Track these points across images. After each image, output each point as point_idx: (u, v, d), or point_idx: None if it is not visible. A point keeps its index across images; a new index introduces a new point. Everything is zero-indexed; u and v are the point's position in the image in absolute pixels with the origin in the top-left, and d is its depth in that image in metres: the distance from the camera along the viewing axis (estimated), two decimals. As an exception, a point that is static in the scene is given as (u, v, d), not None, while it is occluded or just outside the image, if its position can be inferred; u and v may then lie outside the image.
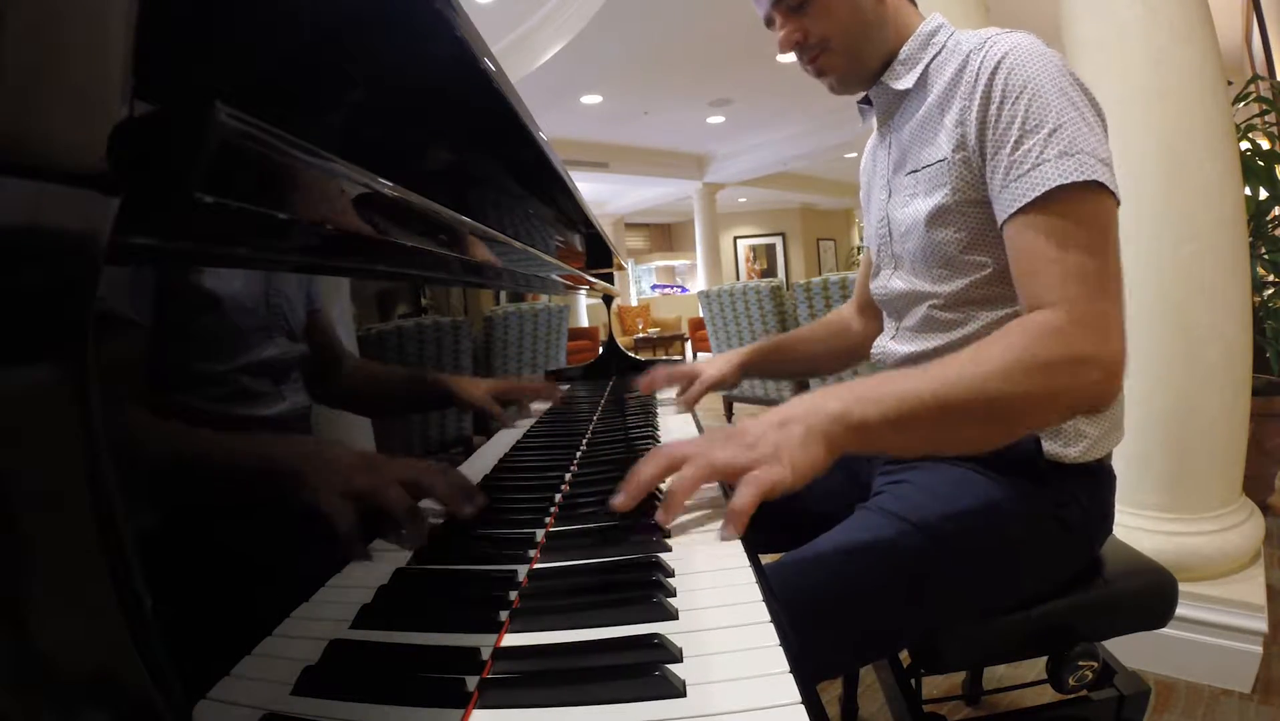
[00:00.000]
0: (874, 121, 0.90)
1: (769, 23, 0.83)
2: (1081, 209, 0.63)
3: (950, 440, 0.62)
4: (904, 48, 0.80)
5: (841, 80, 0.83)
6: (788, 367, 1.16)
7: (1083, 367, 0.59)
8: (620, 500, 0.56)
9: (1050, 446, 0.76)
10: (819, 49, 0.80)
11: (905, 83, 0.79)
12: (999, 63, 0.68)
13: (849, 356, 1.13)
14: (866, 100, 0.88)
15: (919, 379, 0.59)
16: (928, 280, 0.79)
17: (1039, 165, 0.63)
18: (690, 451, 0.56)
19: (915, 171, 0.78)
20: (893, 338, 0.89)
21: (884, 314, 0.93)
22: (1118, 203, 0.66)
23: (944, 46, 0.77)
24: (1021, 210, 0.65)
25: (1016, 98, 0.66)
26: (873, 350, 0.94)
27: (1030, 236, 0.65)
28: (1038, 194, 0.63)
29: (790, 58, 0.85)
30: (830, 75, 0.83)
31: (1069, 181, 0.62)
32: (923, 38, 0.79)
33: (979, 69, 0.69)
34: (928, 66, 0.78)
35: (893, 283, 0.85)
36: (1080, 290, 0.61)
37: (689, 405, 1.10)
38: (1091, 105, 0.68)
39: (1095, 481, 0.79)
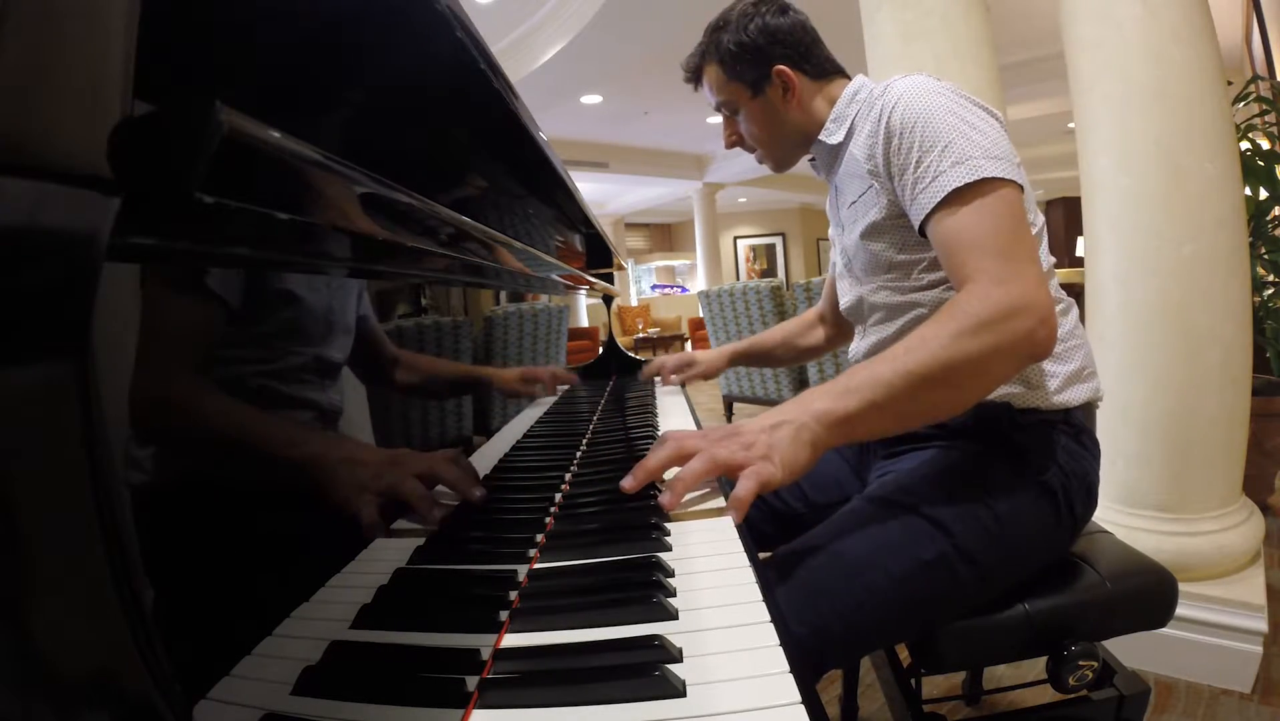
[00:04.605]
0: (824, 174, 1.03)
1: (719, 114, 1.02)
2: (980, 198, 0.73)
3: (923, 409, 0.70)
4: (833, 109, 0.94)
5: (776, 167, 1.04)
6: (763, 363, 1.42)
7: (1014, 318, 0.67)
8: (629, 483, 0.64)
9: (1022, 395, 0.82)
10: (752, 148, 1.02)
11: (836, 137, 0.94)
12: (895, 104, 0.80)
13: (803, 357, 1.37)
14: (813, 158, 1.02)
15: (882, 363, 0.67)
16: (879, 282, 0.92)
17: (937, 176, 0.75)
18: (697, 445, 0.63)
19: (853, 203, 0.92)
20: (862, 337, 1.00)
21: (855, 325, 1.05)
22: (1019, 187, 0.75)
23: (865, 100, 0.91)
24: (931, 214, 0.76)
25: (911, 128, 0.78)
26: (849, 355, 1.06)
27: (945, 231, 0.75)
28: (940, 198, 0.74)
29: None
30: (767, 164, 1.04)
31: (962, 183, 0.73)
32: (847, 98, 0.93)
33: (881, 110, 0.82)
34: (853, 120, 0.92)
35: (854, 294, 0.98)
36: (993, 258, 0.71)
37: (677, 381, 1.41)
38: (982, 112, 0.79)
39: (1075, 442, 0.82)
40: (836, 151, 0.95)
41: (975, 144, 0.74)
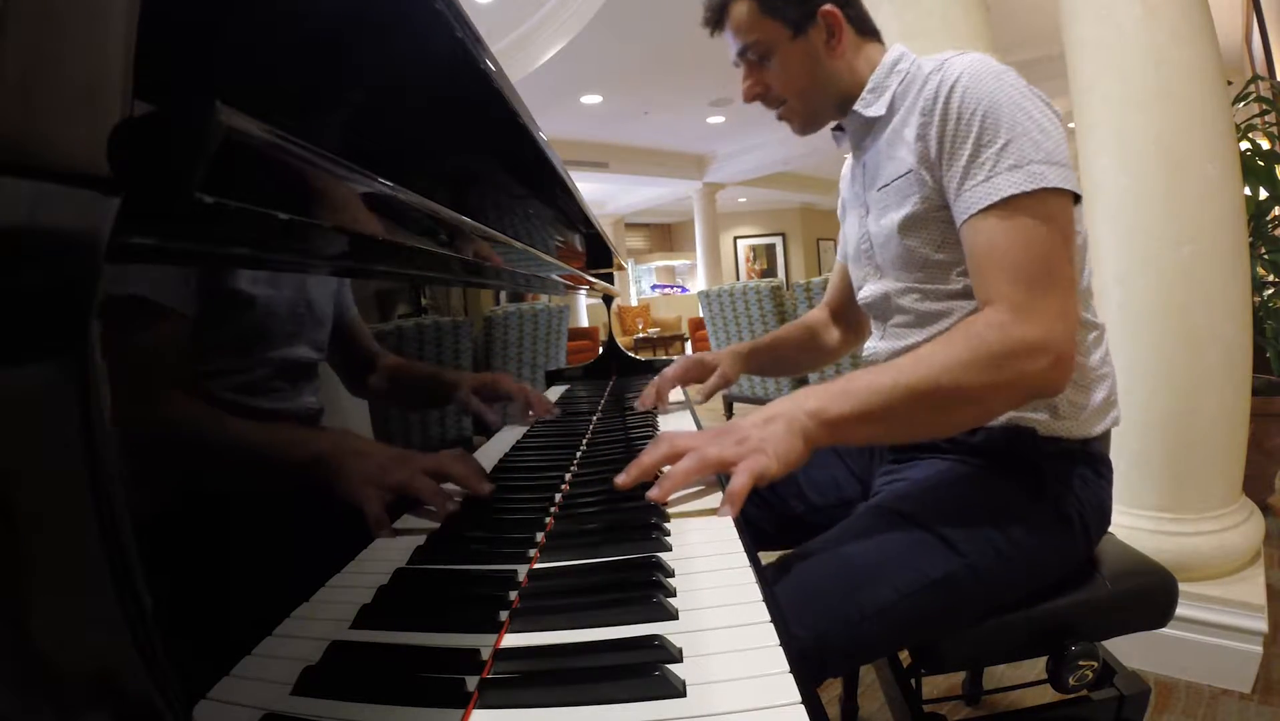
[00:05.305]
0: (848, 146, 0.95)
1: (737, 65, 0.90)
2: (1028, 213, 0.68)
3: (916, 427, 0.69)
4: (872, 77, 0.86)
5: (802, 127, 0.92)
6: (776, 369, 1.26)
7: (1029, 356, 0.65)
8: (622, 479, 0.63)
9: (1047, 423, 0.78)
10: (779, 102, 0.90)
11: (876, 110, 0.85)
12: (955, 83, 0.73)
13: (818, 361, 1.23)
14: (839, 127, 0.94)
15: (884, 374, 0.66)
16: (908, 281, 0.85)
17: (991, 177, 0.70)
18: (689, 444, 0.64)
19: (886, 186, 0.84)
20: (881, 338, 0.94)
21: (871, 319, 0.98)
22: (1076, 197, 0.71)
23: (908, 73, 0.83)
24: (974, 216, 0.71)
25: (971, 115, 0.72)
26: (864, 351, 1.00)
27: (981, 240, 0.71)
28: (989, 202, 0.69)
29: None
30: (792, 123, 0.92)
31: (1018, 191, 0.68)
32: (887, 67, 0.85)
33: (937, 89, 0.75)
34: (895, 93, 0.84)
35: (876, 288, 0.91)
36: (1021, 285, 0.67)
37: (707, 396, 1.18)
38: (1045, 107, 0.73)
39: (1093, 471, 0.80)
40: (872, 126, 0.87)
41: (1038, 145, 0.69)
